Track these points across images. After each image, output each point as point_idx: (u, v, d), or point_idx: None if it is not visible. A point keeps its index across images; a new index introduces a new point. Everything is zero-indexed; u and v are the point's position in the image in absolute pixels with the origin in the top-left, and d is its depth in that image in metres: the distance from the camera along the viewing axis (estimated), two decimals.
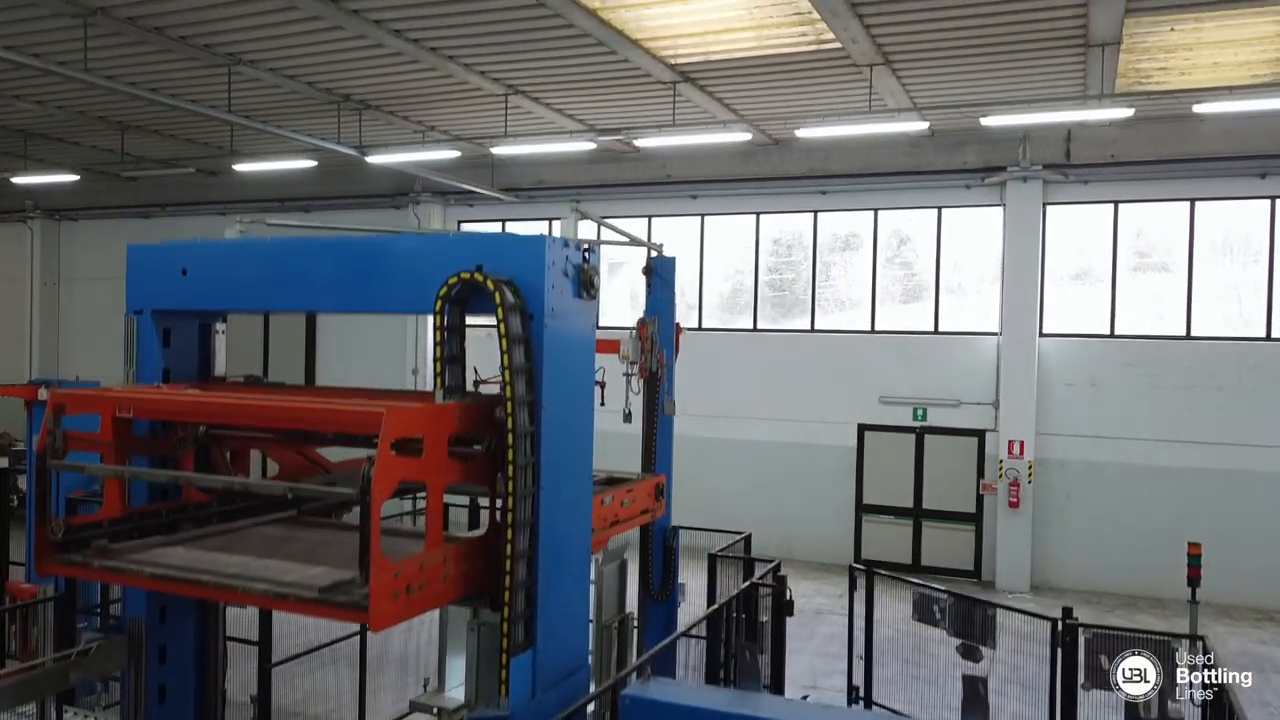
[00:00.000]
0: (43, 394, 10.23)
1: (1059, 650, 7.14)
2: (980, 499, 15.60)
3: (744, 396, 16.92)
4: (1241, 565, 13.77)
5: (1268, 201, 14.46)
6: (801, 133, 14.44)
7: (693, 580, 9.69)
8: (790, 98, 13.59)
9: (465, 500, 9.23)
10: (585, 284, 4.84)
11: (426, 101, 14.32)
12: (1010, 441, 15.15)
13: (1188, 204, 14.79)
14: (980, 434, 15.67)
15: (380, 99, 14.24)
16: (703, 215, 17.65)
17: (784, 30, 10.92)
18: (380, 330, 19.26)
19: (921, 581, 8.70)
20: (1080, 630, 6.98)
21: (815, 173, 16.48)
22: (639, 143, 15.82)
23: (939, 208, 16.10)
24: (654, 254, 8.39)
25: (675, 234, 17.25)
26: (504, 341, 4.39)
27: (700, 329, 17.32)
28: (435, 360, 4.59)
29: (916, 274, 16.60)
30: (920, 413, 15.99)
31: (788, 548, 15.40)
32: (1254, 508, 14.13)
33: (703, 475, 15.69)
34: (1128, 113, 12.63)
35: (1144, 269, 15.50)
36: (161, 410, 5.07)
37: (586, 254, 4.86)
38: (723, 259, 17.82)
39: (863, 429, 16.38)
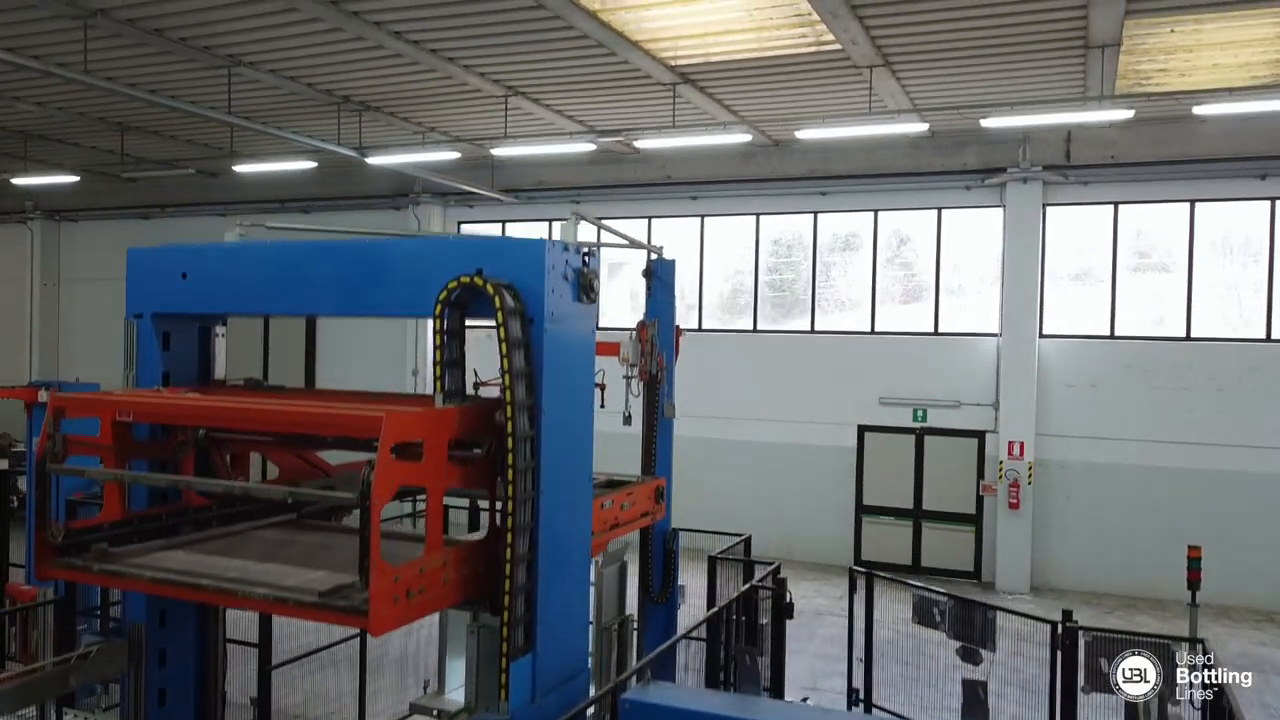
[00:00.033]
0: (43, 396, 10.26)
1: (1059, 653, 7.13)
2: (980, 500, 15.61)
3: (744, 397, 16.92)
4: (1241, 566, 13.77)
5: (1267, 203, 14.48)
6: (801, 134, 14.44)
7: (693, 582, 9.67)
8: (790, 99, 13.60)
9: (465, 501, 9.22)
10: (585, 288, 4.83)
11: (426, 103, 14.33)
12: (1010, 442, 15.15)
13: (1188, 205, 14.80)
14: (980, 435, 15.68)
15: (380, 100, 14.25)
16: (703, 216, 17.65)
17: (784, 32, 10.93)
18: (380, 332, 19.27)
19: (921, 584, 8.70)
20: (1080, 633, 6.98)
21: (815, 174, 16.48)
22: (639, 144, 15.83)
23: (939, 209, 16.11)
24: (654, 257, 8.37)
25: (675, 235, 17.26)
26: (504, 345, 4.39)
27: (700, 329, 17.32)
28: (435, 364, 4.59)
29: (916, 275, 16.61)
30: (920, 414, 15.99)
31: (787, 548, 15.41)
32: (1254, 508, 14.13)
33: (702, 476, 15.68)
34: (1128, 114, 12.63)
35: (1144, 270, 15.51)
36: (161, 414, 5.07)
37: (586, 258, 4.85)
38: (722, 260, 17.81)
39: (862, 430, 16.38)
